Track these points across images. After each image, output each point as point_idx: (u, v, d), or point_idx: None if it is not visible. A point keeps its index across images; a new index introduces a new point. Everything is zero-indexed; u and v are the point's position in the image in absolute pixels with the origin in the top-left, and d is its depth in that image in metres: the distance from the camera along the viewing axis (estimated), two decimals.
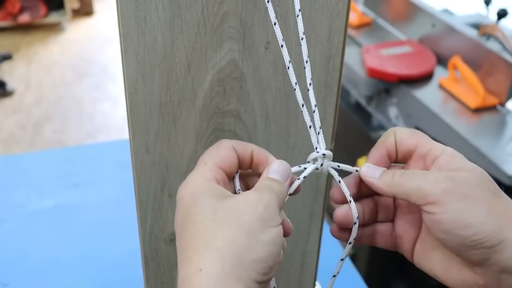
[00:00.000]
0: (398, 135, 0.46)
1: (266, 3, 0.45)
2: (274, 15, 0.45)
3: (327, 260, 0.82)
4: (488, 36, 1.69)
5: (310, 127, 0.46)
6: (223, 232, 0.37)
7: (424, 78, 1.77)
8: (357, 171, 0.47)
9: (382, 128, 1.86)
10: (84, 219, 1.10)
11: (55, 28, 4.41)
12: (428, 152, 0.45)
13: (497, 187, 0.42)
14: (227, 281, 0.36)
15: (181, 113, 0.51)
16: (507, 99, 1.62)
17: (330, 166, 0.47)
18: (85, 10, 4.69)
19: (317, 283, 0.72)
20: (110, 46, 4.14)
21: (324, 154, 0.46)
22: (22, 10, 4.24)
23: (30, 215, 1.10)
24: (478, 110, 1.61)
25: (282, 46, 0.45)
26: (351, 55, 1.90)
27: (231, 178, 0.45)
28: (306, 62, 0.46)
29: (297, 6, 0.46)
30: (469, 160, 0.44)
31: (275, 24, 0.45)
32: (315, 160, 0.46)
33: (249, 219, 0.38)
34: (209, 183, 0.42)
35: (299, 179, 0.46)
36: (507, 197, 0.42)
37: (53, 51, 4.05)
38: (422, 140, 0.46)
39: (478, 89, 1.62)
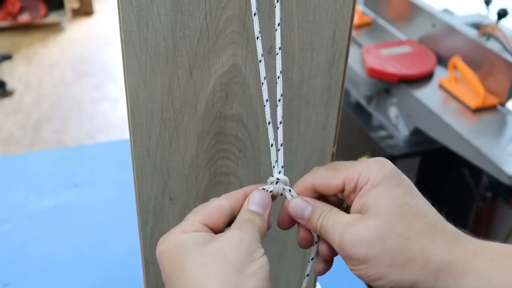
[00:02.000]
0: (317, 182, 0.46)
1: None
2: (259, 29, 0.45)
3: None
4: (488, 36, 1.69)
5: (272, 145, 0.46)
6: (213, 274, 0.39)
7: (424, 78, 1.77)
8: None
9: (382, 128, 1.86)
10: (84, 219, 1.10)
11: (55, 28, 4.40)
12: (356, 185, 0.44)
13: (414, 215, 0.42)
14: None
15: (183, 117, 0.51)
16: (507, 99, 1.62)
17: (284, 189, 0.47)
18: (85, 10, 4.68)
19: (317, 283, 0.72)
20: (110, 46, 4.14)
21: (278, 179, 0.46)
22: (22, 10, 4.23)
23: (30, 215, 1.10)
24: (478, 110, 1.61)
25: (260, 61, 0.45)
26: (351, 55, 1.89)
27: (218, 232, 0.45)
28: (278, 78, 0.46)
29: (277, 20, 0.45)
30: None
31: (257, 38, 0.45)
32: (274, 182, 0.47)
33: (235, 257, 0.39)
34: (189, 234, 0.42)
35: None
36: (424, 225, 0.41)
37: (53, 51, 4.04)
38: (348, 176, 0.45)
39: (478, 89, 1.62)
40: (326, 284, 0.91)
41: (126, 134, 0.54)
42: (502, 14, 1.72)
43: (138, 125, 0.50)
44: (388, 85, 1.80)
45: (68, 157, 1.30)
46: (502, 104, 1.63)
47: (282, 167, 0.46)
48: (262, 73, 0.45)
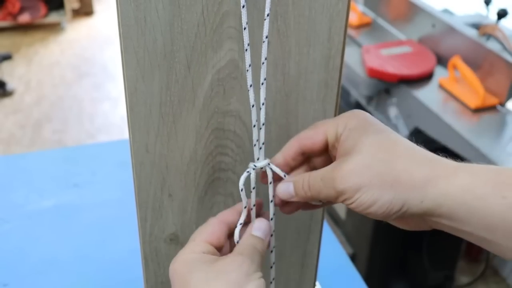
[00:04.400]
0: (302, 142, 0.50)
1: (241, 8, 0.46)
2: (246, 20, 0.46)
3: (327, 260, 0.82)
4: (488, 36, 1.69)
5: (254, 126, 0.49)
6: None
7: (424, 78, 1.77)
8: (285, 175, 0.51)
9: None
10: (84, 219, 1.09)
11: (55, 28, 4.41)
12: (335, 134, 0.48)
13: (394, 144, 0.46)
14: None
15: (181, 113, 0.51)
16: (507, 99, 1.62)
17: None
18: (85, 10, 4.69)
19: (317, 283, 0.72)
20: (110, 46, 4.14)
21: (255, 166, 0.51)
22: (22, 10, 4.24)
23: (30, 215, 1.10)
24: (478, 110, 1.61)
25: (246, 50, 0.47)
26: (351, 55, 1.90)
27: (220, 248, 0.50)
28: (262, 84, 0.48)
29: (267, 11, 0.47)
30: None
31: (244, 29, 0.46)
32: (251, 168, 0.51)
33: (236, 276, 0.44)
34: (198, 254, 0.47)
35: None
36: (404, 150, 0.45)
37: (53, 51, 4.05)
38: (327, 129, 0.49)
39: (478, 89, 1.62)
40: (326, 284, 0.91)
41: (126, 134, 0.55)
42: (502, 14, 1.73)
43: (137, 120, 0.51)
44: (388, 85, 1.80)
45: (68, 157, 1.30)
46: (502, 104, 1.63)
47: (263, 143, 0.49)
48: (248, 61, 0.47)
